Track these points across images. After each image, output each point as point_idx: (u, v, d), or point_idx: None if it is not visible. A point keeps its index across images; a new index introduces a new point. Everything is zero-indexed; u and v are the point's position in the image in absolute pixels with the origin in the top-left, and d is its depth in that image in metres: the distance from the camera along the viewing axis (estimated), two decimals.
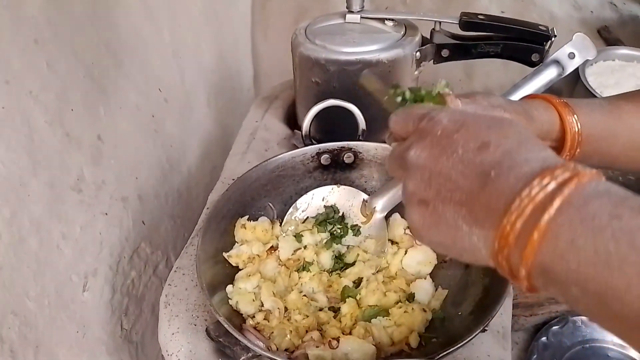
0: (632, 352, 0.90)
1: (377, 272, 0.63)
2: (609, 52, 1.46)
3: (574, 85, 1.47)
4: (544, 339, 0.91)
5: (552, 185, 0.28)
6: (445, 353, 0.47)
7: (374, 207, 0.65)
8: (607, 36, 1.61)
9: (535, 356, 0.90)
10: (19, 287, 0.59)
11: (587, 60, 1.53)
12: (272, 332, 0.55)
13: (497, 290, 0.53)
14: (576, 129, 0.48)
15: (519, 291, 1.01)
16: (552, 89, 1.70)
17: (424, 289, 0.61)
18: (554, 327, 0.93)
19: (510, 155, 0.32)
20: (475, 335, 0.48)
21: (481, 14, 0.78)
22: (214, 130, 1.12)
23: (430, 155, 0.35)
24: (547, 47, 0.78)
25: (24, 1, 0.59)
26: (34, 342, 0.62)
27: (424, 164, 0.35)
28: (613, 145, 0.51)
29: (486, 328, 0.59)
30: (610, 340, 0.91)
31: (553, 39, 0.77)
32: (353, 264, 0.64)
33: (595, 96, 1.27)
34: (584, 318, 0.94)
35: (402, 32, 0.81)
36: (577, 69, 1.48)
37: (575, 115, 0.48)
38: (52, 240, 0.64)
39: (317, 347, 0.52)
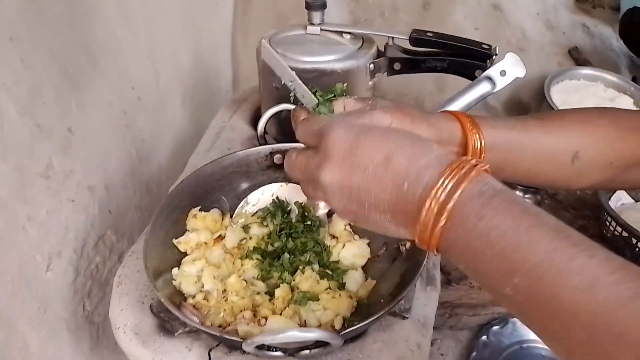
0: None
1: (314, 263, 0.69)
2: (574, 72, 1.54)
3: (540, 102, 1.54)
4: (484, 337, 0.97)
5: (443, 197, 0.37)
6: (351, 329, 0.53)
7: (317, 204, 0.71)
8: (577, 56, 1.69)
9: (475, 353, 0.95)
10: None
11: (553, 79, 1.60)
12: (209, 311, 0.61)
13: (409, 278, 0.59)
14: (477, 136, 0.53)
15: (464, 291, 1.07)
16: (520, 105, 1.76)
17: (354, 279, 0.67)
18: (494, 327, 0.98)
19: (413, 164, 0.39)
20: (378, 318, 0.54)
21: (430, 32, 0.85)
22: (187, 129, 1.18)
23: (342, 176, 0.41)
24: (489, 65, 0.84)
25: (2, 1, 0.65)
26: None
27: (339, 184, 0.41)
28: (521, 158, 0.56)
29: (407, 316, 0.65)
30: None
31: (494, 57, 0.83)
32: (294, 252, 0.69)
33: None
34: None
35: (359, 45, 0.87)
36: (542, 87, 1.55)
37: (477, 127, 0.53)
38: (17, 221, 0.69)
39: (247, 324, 0.58)
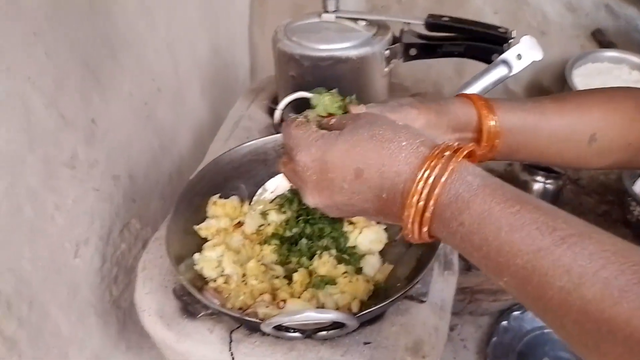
0: None
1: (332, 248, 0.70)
2: (597, 55, 1.51)
3: (561, 86, 1.52)
4: (505, 322, 0.97)
5: (421, 204, 0.37)
6: (367, 311, 0.54)
7: None
8: (601, 38, 1.65)
9: (495, 338, 0.96)
10: (15, 248, 0.67)
11: (575, 62, 1.58)
12: (230, 294, 0.63)
13: (425, 262, 0.60)
14: (492, 122, 0.52)
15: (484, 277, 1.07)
16: (541, 89, 1.74)
17: (371, 264, 0.68)
18: (515, 312, 0.98)
19: (385, 174, 0.39)
20: (394, 300, 0.55)
21: (445, 16, 0.84)
22: (206, 119, 1.20)
23: (323, 198, 0.43)
24: (506, 48, 0.83)
25: None
26: (28, 297, 0.70)
27: (324, 205, 0.43)
28: (537, 140, 0.55)
29: (424, 299, 0.66)
30: None
31: (511, 40, 0.82)
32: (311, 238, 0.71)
33: None
34: None
35: (374, 32, 0.87)
36: (564, 70, 1.53)
37: (492, 111, 0.53)
38: (46, 210, 0.72)
39: (266, 306, 0.60)
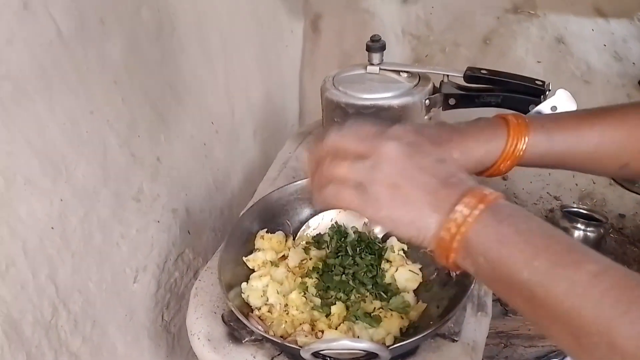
0: None
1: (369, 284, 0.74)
2: None
3: None
4: None
5: (472, 204, 0.42)
6: (399, 344, 0.57)
7: (373, 229, 0.78)
8: None
9: None
10: (84, 272, 0.76)
11: None
12: (273, 322, 0.68)
13: (458, 302, 0.63)
14: (520, 152, 0.54)
15: (517, 321, 1.07)
16: None
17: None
18: None
19: (459, 170, 0.46)
20: (426, 336, 0.59)
21: (484, 69, 0.90)
22: (257, 159, 1.28)
23: (407, 150, 0.45)
24: (542, 100, 0.87)
25: (109, 51, 0.78)
26: (92, 317, 0.78)
27: (403, 154, 0.45)
28: (566, 164, 0.58)
29: (456, 339, 0.69)
30: None
31: (547, 92, 0.86)
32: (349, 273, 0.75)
33: None
34: None
35: (415, 82, 0.93)
36: None
37: (524, 134, 0.54)
38: (113, 238, 0.81)
39: (305, 335, 0.65)
